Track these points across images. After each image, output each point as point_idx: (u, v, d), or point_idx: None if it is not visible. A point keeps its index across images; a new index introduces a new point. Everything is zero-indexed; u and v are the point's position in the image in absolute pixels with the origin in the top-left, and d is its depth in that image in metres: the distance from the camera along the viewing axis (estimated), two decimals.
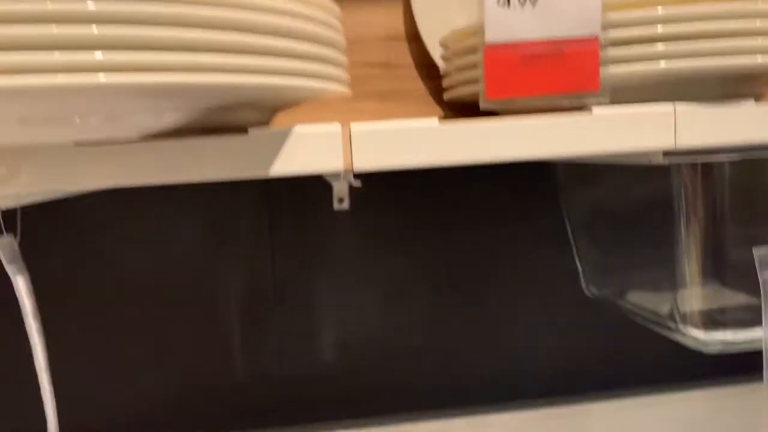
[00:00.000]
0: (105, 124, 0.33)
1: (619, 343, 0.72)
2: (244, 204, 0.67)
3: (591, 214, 0.63)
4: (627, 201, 0.58)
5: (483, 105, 0.40)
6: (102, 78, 0.27)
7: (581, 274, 0.65)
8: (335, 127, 0.36)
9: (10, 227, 0.38)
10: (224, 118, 0.37)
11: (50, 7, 0.26)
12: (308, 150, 0.36)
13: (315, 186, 0.52)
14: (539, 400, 0.71)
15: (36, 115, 0.31)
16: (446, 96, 0.53)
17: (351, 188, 0.63)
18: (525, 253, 0.70)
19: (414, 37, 0.61)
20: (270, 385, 0.69)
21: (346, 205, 0.65)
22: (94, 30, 0.27)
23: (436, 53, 0.58)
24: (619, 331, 0.70)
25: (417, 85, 0.62)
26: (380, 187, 0.67)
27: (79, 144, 0.33)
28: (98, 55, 0.27)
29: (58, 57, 0.27)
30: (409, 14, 0.61)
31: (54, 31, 0.27)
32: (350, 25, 0.61)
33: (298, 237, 0.68)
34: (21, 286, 0.37)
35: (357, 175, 0.45)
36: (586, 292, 0.65)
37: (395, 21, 0.62)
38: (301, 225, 0.68)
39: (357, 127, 0.36)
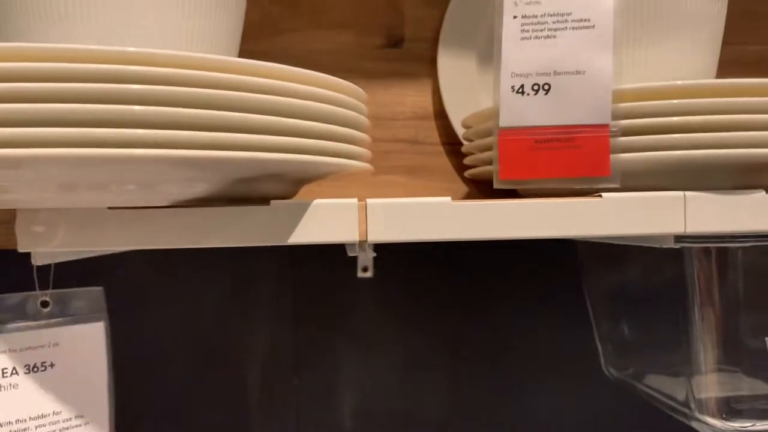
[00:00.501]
0: (139, 192, 0.36)
1: (638, 427, 0.71)
2: (267, 271, 0.69)
3: (610, 294, 0.63)
4: (645, 282, 0.58)
5: (496, 184, 0.42)
6: (139, 152, 0.30)
7: (601, 355, 0.65)
8: (352, 201, 0.38)
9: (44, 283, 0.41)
10: (251, 190, 0.40)
11: (96, 87, 0.29)
12: (326, 221, 0.38)
13: (338, 255, 0.54)
14: None
15: (77, 182, 0.34)
16: (467, 173, 0.55)
17: (375, 258, 0.65)
18: (547, 329, 0.70)
19: (441, 116, 0.64)
20: None
21: (369, 273, 0.67)
22: (135, 109, 0.30)
23: (461, 131, 0.61)
24: (639, 414, 0.69)
25: (442, 160, 0.64)
26: (403, 259, 0.69)
27: (112, 208, 0.36)
28: (137, 132, 0.30)
29: (101, 132, 0.30)
30: (437, 94, 0.64)
31: (99, 108, 0.29)
32: (381, 103, 0.64)
33: (320, 305, 0.69)
34: None
35: (377, 248, 0.47)
36: (606, 373, 0.64)
37: (424, 100, 0.65)
38: (323, 293, 0.69)
39: (373, 201, 0.38)
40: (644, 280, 0.58)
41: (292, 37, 0.64)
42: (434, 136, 0.65)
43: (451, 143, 0.64)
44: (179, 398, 0.68)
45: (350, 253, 0.44)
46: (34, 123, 0.29)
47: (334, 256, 0.67)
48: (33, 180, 0.33)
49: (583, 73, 0.40)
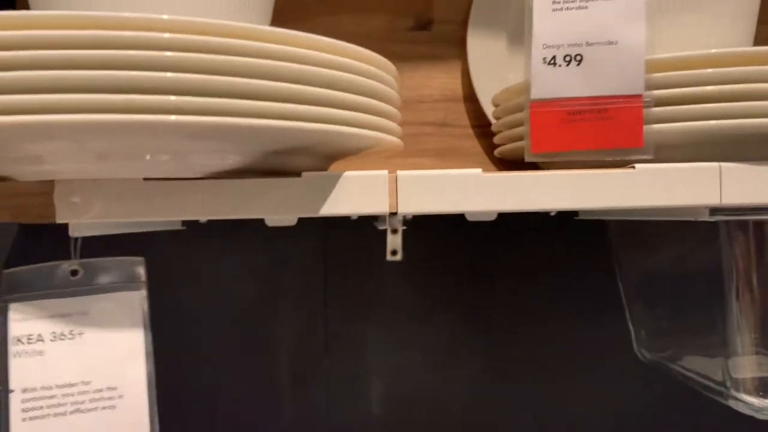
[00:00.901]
0: (173, 163, 0.36)
1: (669, 410, 0.70)
2: (299, 254, 0.69)
3: (644, 275, 0.62)
4: (680, 262, 0.57)
5: (528, 158, 0.42)
6: (172, 118, 0.31)
7: (633, 337, 0.64)
8: (382, 173, 0.38)
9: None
10: (283, 164, 0.40)
11: (131, 54, 0.30)
12: (356, 192, 0.38)
13: (371, 237, 0.54)
14: None
15: (113, 151, 0.34)
16: (497, 151, 0.55)
17: (405, 241, 0.65)
18: (578, 313, 0.69)
19: (470, 98, 0.64)
20: None
21: (399, 257, 0.67)
22: (168, 76, 0.30)
23: (490, 113, 0.60)
24: (670, 398, 0.68)
25: (472, 143, 0.64)
26: (434, 243, 0.69)
27: (148, 179, 0.36)
28: (171, 99, 0.31)
29: (136, 99, 0.30)
30: (466, 76, 0.64)
31: (133, 75, 0.30)
32: (410, 85, 0.64)
33: (351, 288, 0.69)
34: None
35: (409, 231, 0.47)
36: (638, 355, 0.63)
37: (453, 83, 0.64)
38: (354, 276, 0.69)
39: (403, 173, 0.38)
40: (679, 260, 0.57)
41: (321, 20, 0.64)
42: (463, 119, 0.65)
43: (481, 125, 0.64)
44: (208, 378, 0.69)
45: (380, 227, 0.44)
46: (67, 90, 0.29)
47: (366, 238, 0.67)
48: (69, 149, 0.34)
49: (616, 44, 0.40)
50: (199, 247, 0.68)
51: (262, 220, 0.63)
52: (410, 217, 0.56)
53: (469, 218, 0.63)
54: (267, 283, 0.69)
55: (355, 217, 0.63)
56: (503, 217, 0.61)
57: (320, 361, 0.69)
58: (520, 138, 0.48)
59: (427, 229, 0.67)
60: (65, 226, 0.41)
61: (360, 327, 0.70)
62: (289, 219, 0.63)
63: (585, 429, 0.70)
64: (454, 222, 0.64)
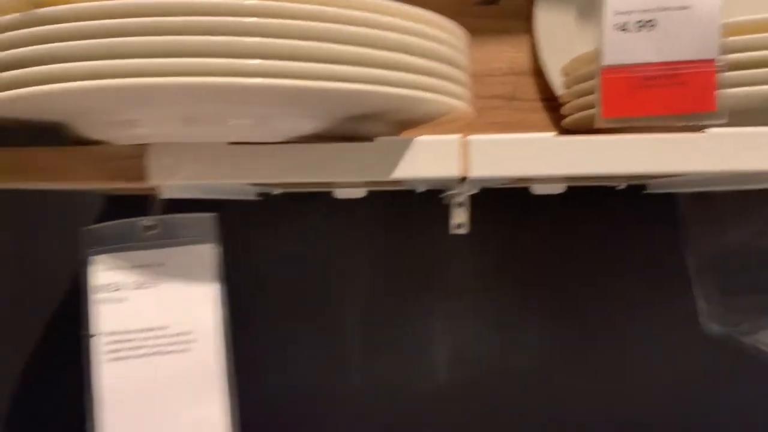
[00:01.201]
0: (255, 128, 0.38)
1: (733, 383, 0.68)
2: (367, 227, 0.71)
3: (716, 250, 0.61)
4: (755, 237, 0.56)
5: (598, 124, 0.42)
6: (255, 81, 0.32)
7: (701, 312, 0.63)
8: (454, 137, 0.39)
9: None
10: (357, 130, 0.42)
11: (216, 20, 0.32)
12: (428, 157, 0.39)
13: (436, 212, 0.55)
14: None
15: (201, 115, 0.36)
16: (564, 123, 0.55)
17: (470, 215, 0.66)
18: (644, 287, 0.69)
19: (538, 72, 0.64)
20: (380, 401, 0.71)
21: (464, 230, 0.68)
22: (252, 40, 0.32)
23: (558, 86, 0.60)
24: (738, 369, 0.67)
25: (540, 116, 0.64)
26: (500, 217, 0.69)
27: (231, 144, 0.39)
28: (254, 62, 0.32)
29: (220, 62, 0.32)
30: (534, 50, 0.64)
31: (217, 40, 0.32)
32: (478, 59, 0.65)
33: (416, 258, 0.71)
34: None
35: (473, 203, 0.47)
36: (706, 329, 0.63)
37: (521, 56, 0.65)
38: (419, 246, 0.71)
39: (474, 137, 0.39)
40: (755, 234, 0.56)
41: None
42: (531, 92, 0.65)
43: (549, 99, 0.64)
44: (274, 346, 0.71)
45: (448, 197, 0.45)
46: (157, 54, 0.32)
47: (432, 211, 0.69)
48: (161, 113, 0.36)
49: (689, 8, 0.40)
50: (271, 219, 0.70)
51: (330, 194, 0.65)
52: (477, 190, 0.57)
53: (536, 192, 0.63)
54: (335, 256, 0.71)
55: (423, 190, 0.64)
56: (570, 190, 0.61)
57: (386, 330, 0.71)
58: (590, 107, 0.48)
59: (493, 204, 0.67)
60: (143, 202, 0.45)
61: (424, 296, 0.71)
62: (357, 191, 0.65)
63: (646, 401, 0.70)
64: (521, 196, 0.64)
